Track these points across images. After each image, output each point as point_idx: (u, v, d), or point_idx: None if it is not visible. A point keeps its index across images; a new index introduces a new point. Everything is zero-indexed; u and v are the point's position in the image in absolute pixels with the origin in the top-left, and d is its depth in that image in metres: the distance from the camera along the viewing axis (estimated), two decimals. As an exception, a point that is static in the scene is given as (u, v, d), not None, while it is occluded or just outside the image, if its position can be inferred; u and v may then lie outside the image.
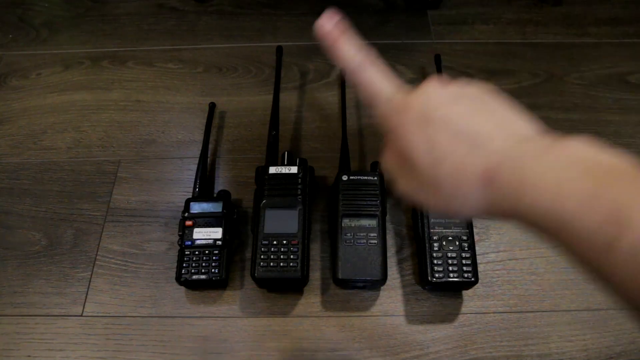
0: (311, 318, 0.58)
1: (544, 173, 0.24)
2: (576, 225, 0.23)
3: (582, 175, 0.23)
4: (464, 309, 0.58)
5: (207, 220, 0.60)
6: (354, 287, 0.59)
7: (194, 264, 0.58)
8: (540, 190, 0.24)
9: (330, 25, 0.32)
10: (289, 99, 0.77)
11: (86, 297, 0.60)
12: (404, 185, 0.29)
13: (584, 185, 0.23)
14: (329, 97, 0.78)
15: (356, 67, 0.31)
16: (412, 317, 0.58)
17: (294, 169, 0.61)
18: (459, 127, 0.27)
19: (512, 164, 0.25)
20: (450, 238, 0.57)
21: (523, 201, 0.24)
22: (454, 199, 0.27)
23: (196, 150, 0.69)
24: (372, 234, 0.57)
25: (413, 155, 0.27)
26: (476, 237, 0.60)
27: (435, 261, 0.56)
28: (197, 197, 0.63)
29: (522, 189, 0.24)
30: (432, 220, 0.58)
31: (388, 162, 0.31)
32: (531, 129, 0.28)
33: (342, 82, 0.76)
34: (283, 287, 0.59)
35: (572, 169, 0.24)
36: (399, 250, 0.62)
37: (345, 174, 0.61)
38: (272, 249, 0.56)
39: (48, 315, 0.59)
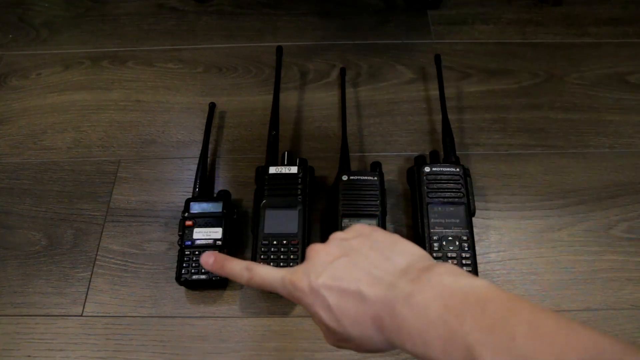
0: (311, 318, 0.58)
1: (412, 318, 0.27)
2: None
3: (441, 314, 0.26)
4: (464, 309, 0.58)
5: (207, 220, 0.60)
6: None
7: (194, 264, 0.58)
8: (410, 337, 0.27)
9: (210, 259, 0.37)
10: (289, 99, 0.77)
11: (86, 297, 0.60)
12: (330, 340, 0.34)
13: (442, 328, 0.26)
14: (329, 97, 0.78)
15: (246, 276, 0.35)
16: (412, 317, 0.58)
17: (294, 169, 0.61)
18: (341, 288, 0.31)
19: (389, 311, 0.29)
20: (450, 238, 0.57)
21: (406, 345, 0.28)
22: (367, 344, 0.31)
23: (196, 150, 0.69)
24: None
25: (321, 320, 0.32)
26: (476, 237, 0.60)
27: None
28: (197, 197, 0.63)
29: (401, 335, 0.28)
30: (432, 220, 0.58)
31: (314, 321, 0.35)
32: (407, 256, 0.32)
33: (342, 82, 0.76)
34: (283, 287, 0.59)
35: (433, 309, 0.27)
36: (399, 250, 0.62)
37: (345, 174, 0.61)
38: (272, 249, 0.56)
39: (48, 315, 0.59)
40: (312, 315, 0.33)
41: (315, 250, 0.34)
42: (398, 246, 0.33)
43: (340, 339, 0.32)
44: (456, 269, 0.29)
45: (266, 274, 0.35)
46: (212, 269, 0.37)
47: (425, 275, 0.29)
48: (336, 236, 0.35)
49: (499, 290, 0.27)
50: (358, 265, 0.32)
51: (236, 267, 0.36)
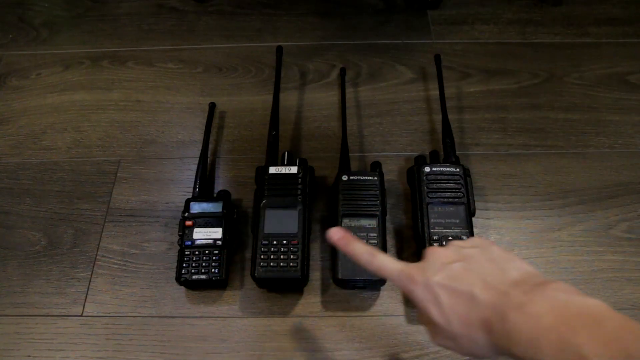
0: (311, 318, 0.58)
1: (524, 325, 0.29)
2: None
3: (554, 324, 0.28)
4: (464, 309, 0.58)
5: (207, 220, 0.60)
6: (354, 287, 0.59)
7: (194, 264, 0.58)
8: (521, 342, 0.29)
9: (339, 234, 0.40)
10: (289, 99, 0.77)
11: (86, 297, 0.60)
12: (434, 338, 0.36)
13: (554, 336, 0.27)
14: (329, 97, 0.78)
15: (367, 258, 0.38)
16: (412, 317, 0.58)
17: (294, 169, 0.61)
18: (454, 288, 0.33)
19: (499, 316, 0.30)
20: (450, 238, 0.57)
21: (513, 350, 0.29)
22: (470, 345, 0.33)
23: (196, 150, 0.69)
24: (372, 234, 0.57)
25: (430, 316, 0.34)
26: (476, 237, 0.60)
27: (435, 261, 0.56)
28: (197, 197, 0.63)
29: (509, 339, 0.29)
30: (432, 220, 0.58)
31: (419, 320, 0.38)
32: (522, 271, 0.33)
33: (342, 82, 0.76)
34: (283, 287, 0.59)
35: (546, 318, 0.28)
36: (399, 250, 0.62)
37: (345, 174, 0.61)
38: (272, 249, 0.56)
39: (48, 315, 0.59)
40: (421, 311, 0.35)
41: (434, 252, 0.37)
42: (514, 262, 0.34)
43: (445, 337, 0.34)
44: (570, 287, 0.31)
45: (386, 262, 0.37)
46: (336, 243, 0.40)
47: (539, 289, 0.30)
48: (455, 243, 0.38)
49: (613, 310, 0.28)
50: (473, 271, 0.34)
51: (360, 249, 0.39)
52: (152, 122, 0.76)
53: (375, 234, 0.57)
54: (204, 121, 0.71)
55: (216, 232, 0.59)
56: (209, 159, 0.69)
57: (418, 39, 0.85)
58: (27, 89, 0.81)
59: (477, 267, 0.34)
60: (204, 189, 0.65)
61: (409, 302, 0.58)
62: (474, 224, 0.59)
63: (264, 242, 0.57)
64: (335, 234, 0.39)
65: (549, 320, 0.28)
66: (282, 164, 0.63)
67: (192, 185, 0.65)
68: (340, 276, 0.55)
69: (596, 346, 0.25)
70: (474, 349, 0.33)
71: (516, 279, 0.32)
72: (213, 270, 0.58)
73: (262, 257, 0.56)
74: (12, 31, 0.90)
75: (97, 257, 0.63)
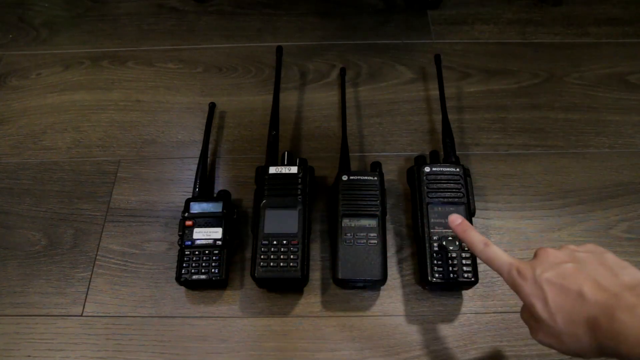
0: (311, 318, 0.58)
1: (634, 326, 0.29)
2: None
3: None
4: (464, 309, 0.58)
5: (207, 220, 0.60)
6: (354, 287, 0.59)
7: (194, 264, 0.58)
8: (631, 342, 0.29)
9: (459, 220, 0.42)
10: (289, 99, 0.77)
11: (86, 297, 0.60)
12: (536, 334, 0.36)
13: None
14: (329, 97, 0.78)
15: (481, 248, 0.39)
16: (412, 317, 0.58)
17: (294, 169, 0.61)
18: (563, 285, 0.34)
19: (608, 315, 0.31)
20: (450, 238, 0.57)
21: (621, 349, 0.30)
22: (573, 344, 0.33)
23: (196, 150, 0.69)
24: (372, 234, 0.57)
25: (535, 312, 0.35)
26: (476, 237, 0.60)
27: (435, 261, 0.56)
28: (197, 197, 0.63)
29: (618, 339, 0.30)
30: (432, 220, 0.58)
31: (523, 316, 0.38)
32: (635, 277, 0.34)
33: (342, 82, 0.76)
34: (283, 287, 0.59)
35: None
36: (399, 250, 0.62)
37: (345, 174, 0.61)
38: (272, 249, 0.56)
39: (48, 315, 0.59)
40: (526, 306, 0.36)
41: (546, 251, 0.38)
42: (628, 269, 0.35)
43: (548, 333, 0.35)
44: None
45: (498, 254, 0.39)
46: (455, 229, 0.42)
47: None
48: (569, 246, 0.38)
49: None
50: (584, 272, 0.34)
51: (476, 238, 0.41)
52: (152, 122, 0.76)
53: (375, 234, 0.57)
54: (204, 121, 0.71)
55: (216, 232, 0.59)
56: (209, 159, 0.69)
57: (418, 39, 0.85)
58: (27, 89, 0.81)
59: (589, 269, 0.35)
60: (204, 189, 0.65)
61: (409, 302, 0.58)
62: (474, 224, 0.59)
63: (264, 242, 0.56)
64: (456, 219, 0.42)
65: None
66: (282, 164, 0.63)
67: (192, 185, 0.65)
68: (340, 276, 0.55)
69: None
70: (577, 347, 0.33)
71: (628, 283, 0.33)
72: (213, 270, 0.58)
73: (262, 257, 0.56)
74: (12, 31, 0.90)
75: (97, 257, 0.63)
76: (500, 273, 0.38)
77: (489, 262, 0.39)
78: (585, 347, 0.33)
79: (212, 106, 0.74)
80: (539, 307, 0.34)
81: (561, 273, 0.35)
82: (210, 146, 0.71)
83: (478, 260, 0.57)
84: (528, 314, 0.37)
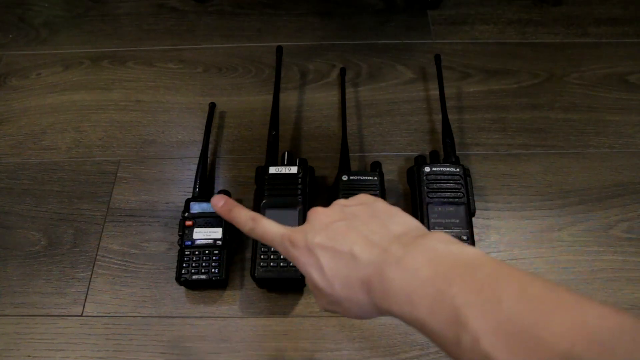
0: (311, 318, 0.58)
1: (400, 280, 0.27)
2: (429, 327, 0.26)
3: (430, 276, 0.26)
4: (464, 309, 0.58)
5: (207, 220, 0.60)
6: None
7: (194, 264, 0.58)
8: (399, 298, 0.27)
9: (221, 202, 0.36)
10: (289, 99, 0.77)
11: (86, 297, 0.60)
12: (320, 302, 0.34)
13: (430, 289, 0.26)
14: (329, 97, 0.78)
15: (250, 226, 0.35)
16: (412, 317, 0.58)
17: (294, 169, 0.61)
18: (335, 248, 0.31)
19: (378, 274, 0.29)
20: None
21: (392, 308, 0.28)
22: (355, 308, 0.31)
23: (196, 150, 0.69)
24: (372, 234, 0.57)
25: (313, 281, 0.32)
26: (476, 237, 0.60)
27: (435, 261, 0.56)
28: (197, 197, 0.63)
29: (388, 298, 0.28)
30: (432, 220, 0.58)
31: (307, 285, 0.35)
32: (404, 225, 0.32)
33: (342, 82, 0.76)
34: (283, 287, 0.59)
35: (423, 271, 0.27)
36: (399, 250, 0.62)
37: (345, 174, 0.61)
38: (272, 249, 0.56)
39: (48, 315, 0.59)
40: (305, 275, 0.33)
41: (316, 212, 0.34)
42: (397, 217, 0.33)
43: (329, 302, 0.32)
44: (449, 237, 0.29)
45: (269, 228, 0.35)
46: (219, 211, 0.37)
47: (417, 241, 0.29)
48: (338, 202, 0.36)
49: (489, 257, 0.27)
50: (355, 229, 0.32)
51: (242, 215, 0.36)
52: (152, 122, 0.76)
53: (375, 234, 0.57)
54: (204, 121, 0.71)
55: (216, 232, 0.59)
56: (209, 159, 0.69)
57: (418, 39, 0.85)
58: (27, 89, 0.81)
59: (360, 225, 0.32)
60: (204, 189, 0.65)
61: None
62: (474, 224, 0.59)
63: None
64: (217, 201, 0.36)
65: (426, 272, 0.27)
66: (282, 164, 0.63)
67: (192, 185, 0.65)
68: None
69: (468, 294, 0.24)
70: (359, 311, 0.31)
71: (397, 233, 0.31)
72: (213, 270, 0.58)
73: (262, 257, 0.56)
74: (12, 31, 0.90)
75: (97, 257, 0.63)
76: (275, 247, 0.34)
77: (261, 239, 0.35)
78: (366, 310, 0.31)
79: (212, 106, 0.74)
80: (315, 276, 0.31)
81: (332, 235, 0.31)
82: (210, 146, 0.71)
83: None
84: (310, 282, 0.33)
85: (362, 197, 0.36)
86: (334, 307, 0.32)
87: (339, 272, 0.30)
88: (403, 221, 0.32)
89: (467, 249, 0.28)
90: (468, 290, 0.25)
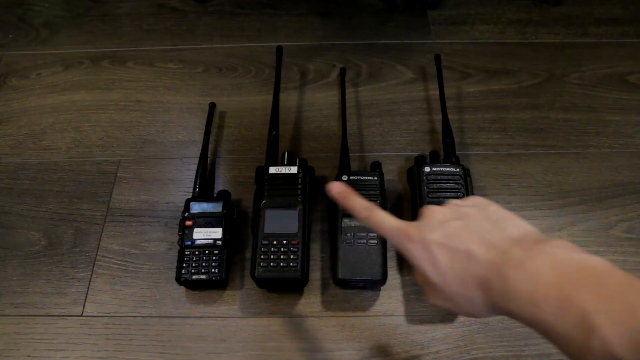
0: (311, 318, 0.58)
1: (522, 282, 0.28)
2: (553, 330, 0.26)
3: (555, 281, 0.27)
4: (464, 309, 0.58)
5: (207, 220, 0.60)
6: (354, 287, 0.59)
7: (194, 264, 0.58)
8: (520, 299, 0.28)
9: (338, 188, 0.38)
10: (289, 99, 0.77)
11: (86, 297, 0.60)
12: (430, 297, 0.35)
13: (555, 293, 0.27)
14: (329, 97, 0.78)
15: (365, 214, 0.37)
16: (412, 317, 0.58)
17: (294, 169, 0.61)
18: (451, 246, 0.32)
19: (498, 274, 0.30)
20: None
21: (510, 307, 0.29)
22: (467, 305, 0.32)
23: (196, 150, 0.69)
24: (372, 234, 0.57)
25: (426, 275, 0.33)
26: (476, 237, 0.60)
27: (435, 261, 0.56)
28: (197, 197, 0.63)
29: (508, 298, 0.29)
30: (432, 220, 0.58)
31: (416, 279, 0.37)
32: (521, 229, 0.33)
33: (342, 82, 0.76)
34: (283, 287, 0.59)
35: (546, 275, 0.28)
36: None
37: (345, 174, 0.61)
38: (272, 249, 0.56)
39: (48, 315, 0.59)
40: (418, 269, 0.34)
41: (432, 210, 0.36)
42: (513, 220, 0.34)
43: (441, 297, 0.33)
44: (571, 245, 0.30)
45: (384, 219, 0.36)
46: (334, 196, 0.38)
47: (539, 246, 0.30)
48: (453, 202, 0.37)
49: (615, 267, 0.27)
50: (471, 229, 0.33)
51: (359, 204, 0.37)
52: (152, 122, 0.76)
53: (375, 234, 0.57)
54: (204, 121, 0.71)
55: (216, 232, 0.59)
56: (209, 159, 0.69)
57: (418, 39, 0.85)
58: (27, 89, 0.81)
59: (476, 226, 0.33)
60: (204, 189, 0.65)
61: (409, 302, 0.58)
62: (474, 224, 0.59)
63: (264, 242, 0.56)
64: (335, 187, 0.38)
65: (549, 277, 0.27)
66: (282, 164, 0.63)
67: (192, 185, 0.65)
68: (340, 276, 0.55)
69: (599, 302, 0.25)
70: (471, 308, 0.32)
71: (515, 237, 0.32)
72: (213, 270, 0.58)
73: (262, 257, 0.56)
74: (12, 31, 0.90)
75: (97, 257, 0.63)
76: (388, 239, 0.36)
77: (375, 228, 0.36)
78: (479, 308, 0.32)
79: (212, 106, 0.74)
80: (429, 271, 0.33)
81: (448, 233, 0.33)
82: (210, 146, 0.71)
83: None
84: (420, 277, 0.35)
85: (476, 199, 0.37)
86: (446, 303, 0.34)
87: (454, 269, 0.32)
88: (519, 225, 0.34)
89: (593, 257, 0.28)
90: (598, 297, 0.25)
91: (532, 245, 0.30)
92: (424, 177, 0.60)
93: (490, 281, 0.30)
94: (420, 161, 0.65)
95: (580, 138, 0.72)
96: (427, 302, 0.36)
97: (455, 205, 0.36)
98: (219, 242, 0.59)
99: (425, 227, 0.34)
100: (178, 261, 0.58)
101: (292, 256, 0.56)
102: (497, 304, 0.30)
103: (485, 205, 0.35)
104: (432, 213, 0.35)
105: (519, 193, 0.67)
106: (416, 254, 0.33)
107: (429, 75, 0.80)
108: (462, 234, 0.33)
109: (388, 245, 0.60)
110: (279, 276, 0.55)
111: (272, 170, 0.61)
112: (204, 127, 0.70)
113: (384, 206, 0.59)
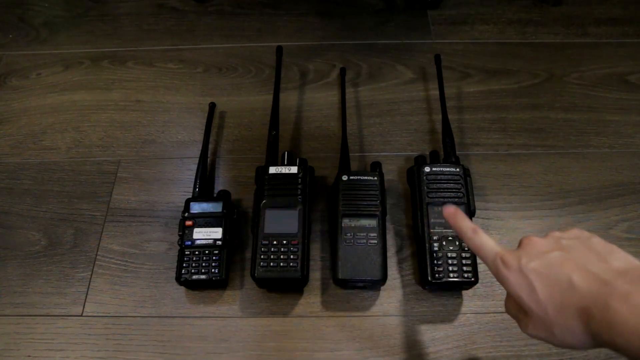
0: (311, 318, 0.58)
1: (629, 315, 0.28)
2: None
3: None
4: (464, 309, 0.58)
5: (207, 220, 0.60)
6: (354, 287, 0.59)
7: (194, 264, 0.58)
8: (625, 333, 0.28)
9: (452, 209, 0.40)
10: (289, 99, 0.77)
11: (86, 297, 0.60)
12: (525, 328, 0.35)
13: None
14: (329, 97, 0.78)
15: (470, 235, 0.38)
16: (412, 317, 0.58)
17: (294, 169, 0.61)
18: (551, 275, 0.32)
19: (601, 306, 0.29)
20: (450, 238, 0.57)
21: (616, 341, 0.28)
22: (565, 335, 0.32)
23: (196, 150, 0.69)
24: (372, 234, 0.57)
25: (522, 303, 0.33)
26: (476, 237, 0.60)
27: (435, 261, 0.56)
28: (197, 197, 0.63)
29: (612, 330, 0.28)
30: (432, 220, 0.58)
31: (508, 308, 0.37)
32: (625, 262, 0.32)
33: (342, 82, 0.76)
34: (283, 287, 0.59)
35: None
36: (399, 250, 0.62)
37: (345, 174, 0.61)
38: (272, 249, 0.56)
39: (48, 315, 0.59)
40: (513, 297, 0.34)
41: (531, 240, 0.36)
42: (617, 253, 0.34)
43: (538, 326, 0.33)
44: None
45: (485, 243, 0.37)
46: (447, 217, 0.40)
47: None
48: (554, 234, 0.36)
49: None
50: (573, 260, 0.33)
51: (465, 225, 0.38)
52: (152, 122, 0.76)
53: (375, 234, 0.57)
54: (204, 121, 0.71)
55: (216, 232, 0.59)
56: (209, 159, 0.69)
57: (418, 39, 0.85)
58: (27, 89, 0.81)
59: (577, 256, 0.33)
60: (204, 189, 0.65)
61: (409, 302, 0.58)
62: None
63: (264, 242, 0.56)
64: (450, 209, 0.40)
65: None
66: (282, 164, 0.63)
67: (192, 185, 0.65)
68: (340, 276, 0.55)
69: None
70: (569, 338, 0.32)
71: (620, 269, 0.31)
72: (213, 270, 0.58)
73: (262, 257, 0.56)
74: (12, 31, 0.90)
75: (97, 257, 0.63)
76: (485, 262, 0.36)
77: (476, 250, 0.37)
78: (578, 339, 0.31)
79: (212, 106, 0.74)
80: (526, 298, 0.33)
81: (548, 262, 0.33)
82: (210, 146, 0.71)
83: (478, 260, 0.57)
84: (515, 306, 0.35)
85: (577, 232, 0.36)
86: (542, 333, 0.33)
87: (553, 298, 0.32)
88: (623, 257, 0.33)
89: None
90: None
91: (638, 279, 0.30)
92: (424, 177, 0.60)
93: (591, 312, 0.30)
94: (420, 161, 0.65)
95: (580, 138, 0.72)
96: (522, 333, 0.35)
97: (556, 237, 0.36)
98: (219, 242, 0.59)
99: (525, 256, 0.34)
100: (178, 261, 0.58)
101: (292, 256, 0.56)
102: (600, 336, 0.30)
103: (588, 238, 0.35)
104: (533, 243, 0.35)
105: (519, 193, 0.67)
106: (512, 280, 0.34)
107: (429, 75, 0.80)
108: (563, 264, 0.33)
109: (388, 245, 0.60)
110: (279, 276, 0.55)
111: (272, 170, 0.61)
112: (204, 127, 0.70)
113: (383, 206, 0.59)
